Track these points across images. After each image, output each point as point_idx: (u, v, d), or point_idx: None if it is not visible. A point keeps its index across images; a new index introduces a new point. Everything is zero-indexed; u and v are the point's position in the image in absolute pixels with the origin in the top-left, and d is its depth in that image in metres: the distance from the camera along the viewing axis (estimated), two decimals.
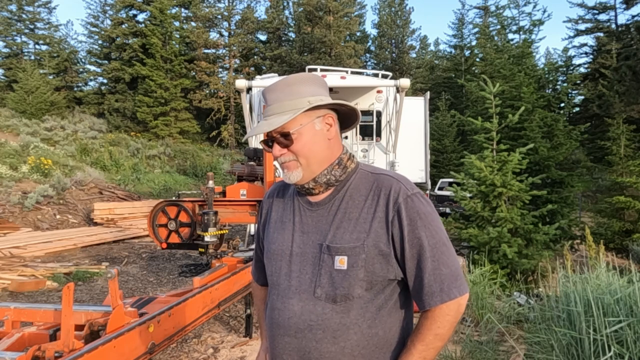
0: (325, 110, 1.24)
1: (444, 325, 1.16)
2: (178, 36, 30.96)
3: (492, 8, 29.79)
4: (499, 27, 17.39)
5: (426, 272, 1.16)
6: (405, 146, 8.23)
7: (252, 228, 6.75)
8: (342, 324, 1.16)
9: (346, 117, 1.31)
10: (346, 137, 8.09)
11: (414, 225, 1.16)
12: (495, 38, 18.57)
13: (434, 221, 1.19)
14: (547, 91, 13.17)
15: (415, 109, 8.73)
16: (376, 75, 8.86)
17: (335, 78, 7.41)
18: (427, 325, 1.16)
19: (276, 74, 10.32)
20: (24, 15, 31.10)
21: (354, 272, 1.16)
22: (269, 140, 1.24)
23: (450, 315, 1.16)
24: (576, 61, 34.08)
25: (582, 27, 28.46)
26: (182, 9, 32.77)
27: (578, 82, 25.05)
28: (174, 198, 5.56)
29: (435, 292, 1.15)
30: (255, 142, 7.68)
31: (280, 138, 1.20)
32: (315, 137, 1.21)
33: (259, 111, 7.85)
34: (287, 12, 35.27)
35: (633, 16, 26.40)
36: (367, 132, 8.26)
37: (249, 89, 7.55)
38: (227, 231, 4.59)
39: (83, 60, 33.76)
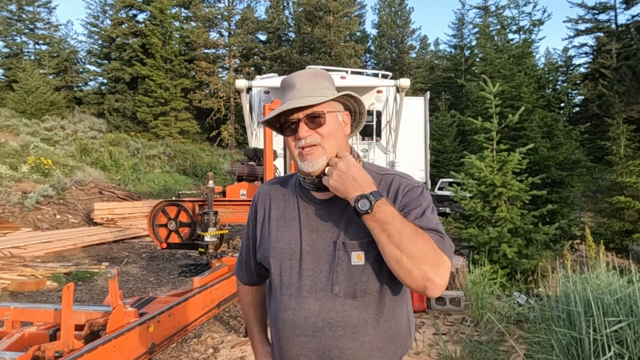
0: (342, 108, 1.28)
1: (429, 242, 1.09)
2: (178, 36, 30.98)
3: (492, 8, 29.83)
4: (499, 27, 17.39)
5: (413, 216, 1.16)
6: (405, 146, 8.23)
7: None
8: (362, 319, 1.18)
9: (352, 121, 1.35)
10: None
11: (408, 199, 1.20)
12: (495, 38, 18.55)
13: (429, 208, 1.19)
14: (547, 91, 13.18)
15: (415, 109, 8.73)
16: (376, 75, 8.86)
17: (336, 78, 7.42)
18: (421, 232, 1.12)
19: (276, 74, 10.32)
20: (24, 15, 31.12)
21: (372, 267, 1.17)
22: (291, 123, 1.22)
23: (434, 244, 1.10)
24: (576, 61, 34.17)
25: (582, 27, 28.50)
26: (182, 9, 32.80)
27: (578, 82, 25.04)
28: (174, 198, 5.56)
29: (422, 223, 1.14)
30: (255, 142, 7.68)
31: (310, 119, 1.20)
32: (339, 128, 1.24)
33: (259, 111, 7.84)
34: (287, 12, 35.32)
35: (633, 16, 26.40)
36: (367, 132, 8.26)
37: (249, 89, 7.55)
38: (227, 231, 4.60)
39: (83, 60, 33.85)
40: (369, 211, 1.09)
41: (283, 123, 1.24)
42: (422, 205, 1.18)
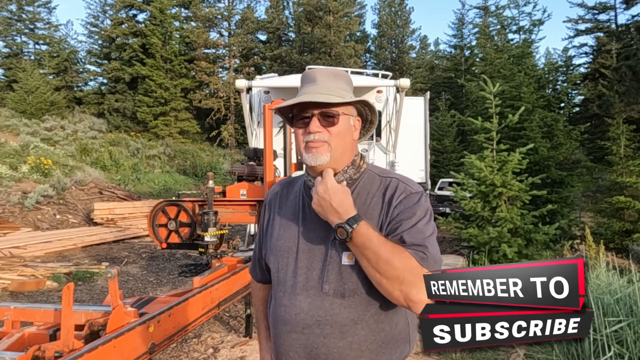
0: (355, 113, 1.30)
1: (407, 262, 1.09)
2: (178, 36, 30.98)
3: (492, 8, 29.84)
4: (499, 27, 17.41)
5: (403, 228, 1.16)
6: (405, 146, 8.22)
7: (252, 228, 6.74)
8: (350, 319, 1.18)
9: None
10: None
11: (403, 207, 1.19)
12: (495, 38, 18.56)
13: (424, 218, 1.19)
14: (547, 91, 13.18)
15: (415, 109, 8.73)
16: (376, 75, 8.85)
17: None
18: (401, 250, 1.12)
19: (276, 74, 10.31)
20: (24, 15, 31.12)
21: (361, 267, 1.16)
22: (304, 116, 1.23)
23: (413, 262, 1.09)
24: (576, 61, 34.09)
25: (582, 27, 28.49)
26: (182, 9, 32.79)
27: (578, 82, 25.03)
28: (174, 198, 5.56)
29: (407, 238, 1.14)
30: (255, 142, 7.67)
31: (323, 117, 1.22)
32: (348, 130, 1.26)
33: (259, 111, 7.84)
34: (287, 12, 35.30)
35: (633, 16, 26.38)
36: None
37: (249, 89, 7.55)
38: (227, 231, 4.59)
39: (83, 60, 33.84)
40: (347, 240, 1.12)
41: (295, 114, 1.26)
42: (416, 215, 1.17)
